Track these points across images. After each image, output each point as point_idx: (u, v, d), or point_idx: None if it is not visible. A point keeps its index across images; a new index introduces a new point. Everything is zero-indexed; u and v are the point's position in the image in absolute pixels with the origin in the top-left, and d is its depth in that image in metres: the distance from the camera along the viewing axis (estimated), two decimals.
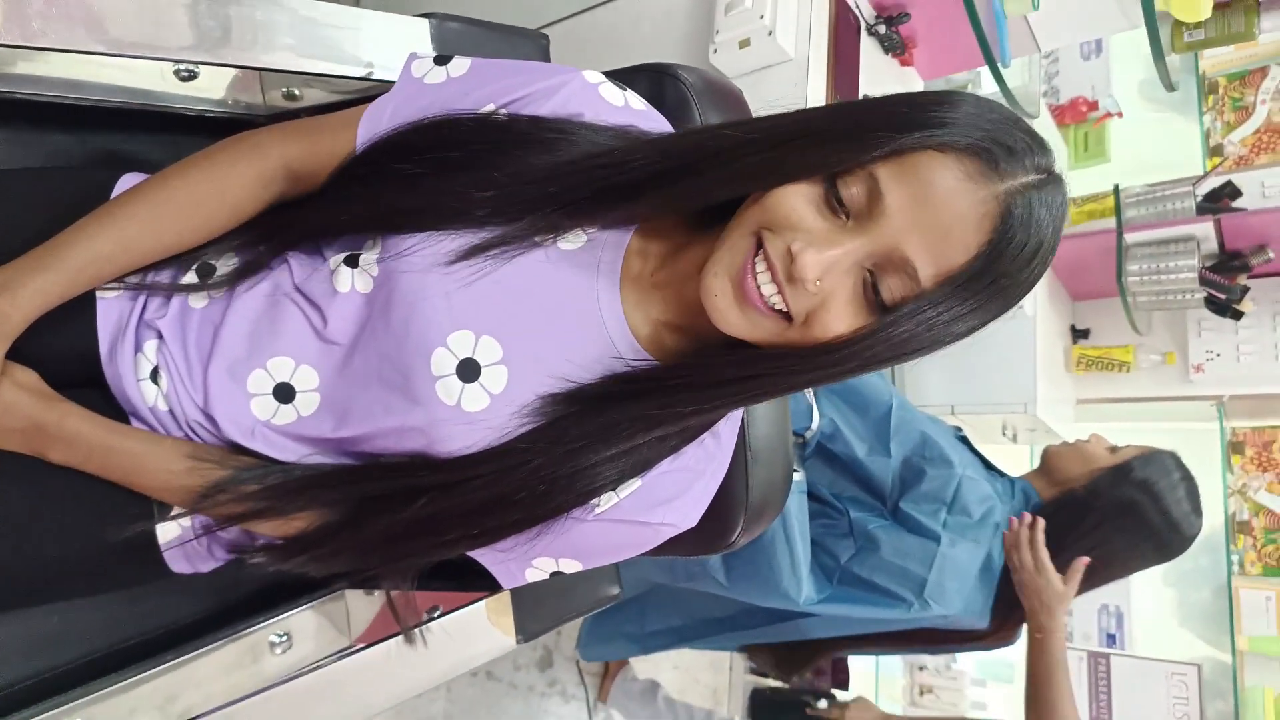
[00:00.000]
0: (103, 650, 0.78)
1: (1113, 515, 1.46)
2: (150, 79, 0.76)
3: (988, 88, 2.37)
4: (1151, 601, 2.69)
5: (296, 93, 0.82)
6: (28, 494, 0.67)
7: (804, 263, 0.57)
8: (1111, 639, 2.58)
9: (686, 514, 0.70)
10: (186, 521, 0.71)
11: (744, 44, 1.33)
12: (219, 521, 0.69)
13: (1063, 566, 1.41)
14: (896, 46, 1.56)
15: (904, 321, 0.58)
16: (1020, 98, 1.93)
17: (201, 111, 0.81)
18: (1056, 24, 1.54)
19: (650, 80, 0.84)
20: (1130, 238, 2.31)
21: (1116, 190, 2.38)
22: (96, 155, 0.86)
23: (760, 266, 0.59)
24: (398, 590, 0.73)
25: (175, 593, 0.83)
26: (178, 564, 0.73)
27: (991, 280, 0.57)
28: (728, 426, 0.73)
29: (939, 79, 1.71)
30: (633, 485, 0.66)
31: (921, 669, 2.75)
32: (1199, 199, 2.28)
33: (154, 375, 0.70)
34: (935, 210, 0.56)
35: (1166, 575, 2.71)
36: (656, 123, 0.74)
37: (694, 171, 0.63)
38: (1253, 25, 1.43)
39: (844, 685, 2.47)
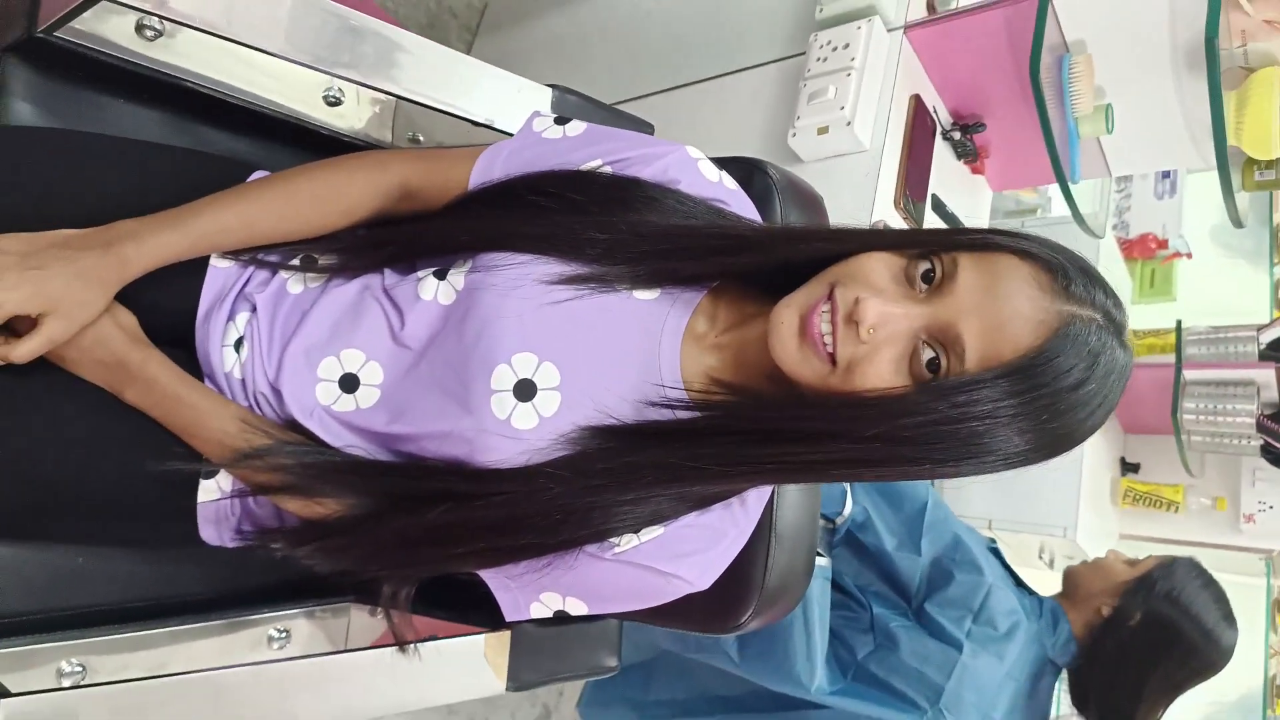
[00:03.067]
0: (114, 604, 0.80)
1: (1146, 635, 1.43)
2: (303, 97, 0.86)
3: (1057, 210, 2.41)
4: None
5: (421, 139, 0.91)
6: (92, 427, 0.72)
7: (865, 309, 0.60)
8: None
9: (703, 573, 0.71)
10: (227, 486, 0.75)
11: (822, 130, 1.39)
12: (253, 488, 0.73)
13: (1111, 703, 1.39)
14: (969, 154, 1.61)
15: (938, 397, 0.59)
16: (1088, 223, 1.95)
17: (337, 135, 0.91)
18: (1129, 150, 1.57)
19: (742, 170, 0.89)
20: (1189, 374, 2.29)
21: (1179, 326, 2.37)
22: (238, 154, 0.95)
23: (825, 309, 0.63)
24: (397, 605, 0.74)
25: (194, 565, 0.85)
26: (207, 529, 0.76)
27: (1030, 388, 0.58)
28: (756, 496, 0.74)
29: (1008, 191, 1.75)
30: (655, 531, 0.68)
31: None
32: (1263, 346, 2.26)
33: (238, 344, 0.76)
34: (998, 301, 0.59)
35: None
36: (744, 204, 0.80)
37: (796, 243, 0.69)
38: None
39: None
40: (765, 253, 0.70)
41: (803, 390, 0.65)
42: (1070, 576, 1.61)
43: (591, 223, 0.71)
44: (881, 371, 0.61)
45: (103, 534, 0.79)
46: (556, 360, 0.69)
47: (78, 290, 0.66)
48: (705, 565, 0.71)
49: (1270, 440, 2.19)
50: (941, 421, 0.59)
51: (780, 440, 0.64)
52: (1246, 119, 1.25)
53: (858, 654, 1.50)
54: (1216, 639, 1.42)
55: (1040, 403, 0.58)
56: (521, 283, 0.71)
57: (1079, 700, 1.51)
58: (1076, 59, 1.37)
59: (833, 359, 0.63)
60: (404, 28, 0.86)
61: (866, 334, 0.61)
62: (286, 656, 0.82)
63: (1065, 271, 0.60)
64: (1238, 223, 1.48)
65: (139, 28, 0.74)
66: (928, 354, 0.61)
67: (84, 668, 0.71)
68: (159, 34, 0.75)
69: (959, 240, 0.62)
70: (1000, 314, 0.59)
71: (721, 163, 0.85)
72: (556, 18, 2.08)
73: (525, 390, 0.68)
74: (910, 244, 0.64)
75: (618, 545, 0.67)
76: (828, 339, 0.62)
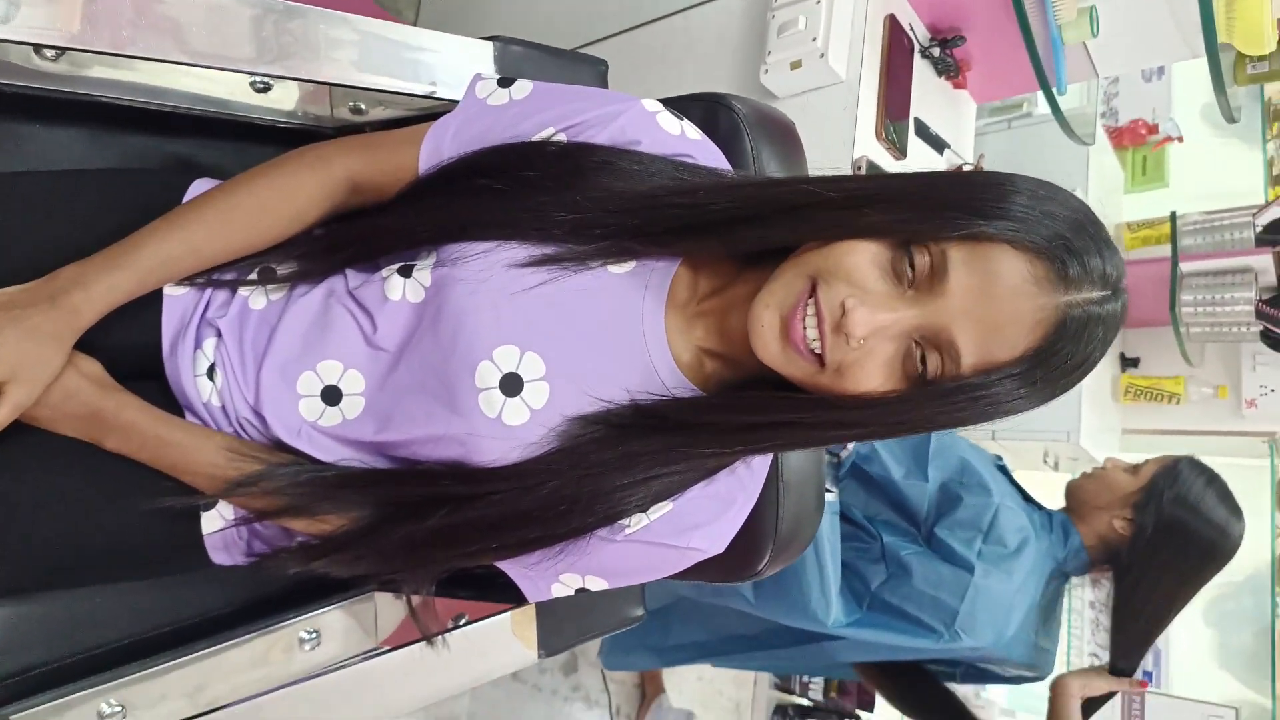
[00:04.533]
0: (139, 635, 0.81)
1: (1164, 543, 1.45)
2: (228, 89, 0.80)
3: (1045, 107, 2.34)
4: (1190, 641, 2.62)
5: (363, 107, 0.86)
6: (83, 478, 0.71)
7: (855, 319, 0.58)
8: (1148, 676, 2.52)
9: (716, 540, 0.71)
10: (229, 514, 0.74)
11: (796, 65, 1.33)
12: (253, 514, 0.72)
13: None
14: (950, 69, 1.54)
15: (932, 401, 0.59)
16: (1075, 121, 1.89)
17: (273, 122, 0.85)
18: (1116, 51, 1.50)
19: (704, 109, 0.85)
20: (1186, 266, 2.26)
21: (1173, 217, 2.33)
22: (171, 159, 0.90)
23: (810, 309, 0.60)
24: (421, 595, 0.74)
25: (212, 584, 0.85)
26: (218, 554, 0.76)
27: (1029, 383, 0.58)
28: (760, 456, 0.73)
29: (993, 102, 1.69)
30: (664, 508, 0.67)
31: None
32: (1259, 230, 2.22)
33: (210, 372, 0.73)
34: (994, 304, 0.57)
35: (1208, 614, 2.64)
36: (712, 153, 0.75)
37: (770, 219, 0.65)
38: None
39: (869, 706, 2.45)
40: (733, 231, 0.66)
41: (791, 391, 0.64)
42: (1073, 492, 1.62)
43: (553, 201, 0.68)
44: (873, 376, 0.60)
45: (117, 573, 0.78)
46: (539, 349, 0.68)
47: (32, 351, 0.63)
48: (718, 533, 0.71)
49: (1270, 326, 2.18)
50: (937, 414, 0.59)
51: (779, 426, 0.64)
52: (1238, 14, 1.18)
53: (871, 584, 1.52)
54: (1228, 532, 1.45)
55: (1041, 387, 0.58)
56: (491, 272, 0.68)
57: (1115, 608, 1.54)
58: None
59: (820, 360, 0.61)
60: None
61: (857, 343, 0.59)
62: (322, 659, 0.83)
63: (1062, 261, 0.56)
64: (1230, 118, 1.43)
65: (37, 49, 0.69)
66: (920, 352, 0.60)
67: (123, 706, 0.73)
68: (61, 52, 0.70)
69: (946, 232, 0.58)
70: (996, 316, 0.57)
71: (682, 103, 0.81)
72: None
73: (512, 385, 0.67)
74: (896, 231, 0.60)
75: (628, 526, 0.67)
76: (814, 343, 0.61)
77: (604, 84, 0.95)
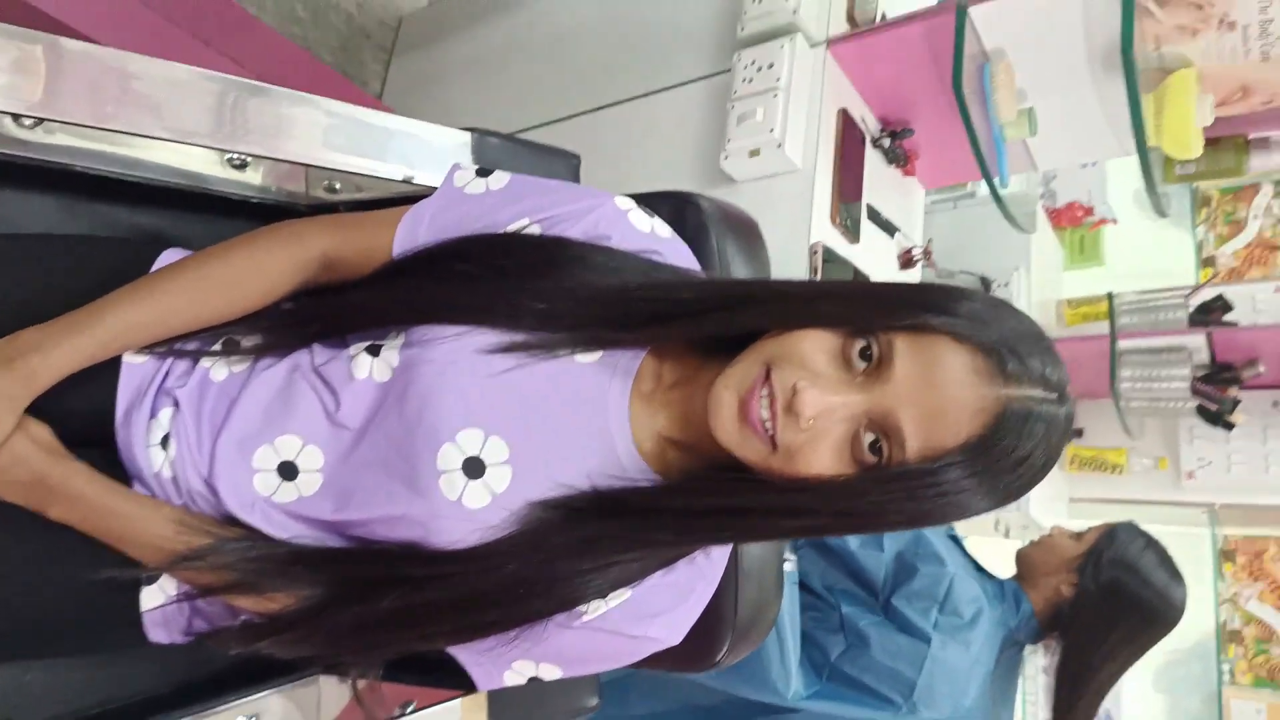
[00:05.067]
0: (70, 715, 0.78)
1: (1105, 605, 1.48)
2: (203, 164, 0.80)
3: (983, 194, 2.46)
4: (1141, 707, 2.66)
5: (337, 187, 0.87)
6: (22, 547, 0.69)
7: (804, 400, 0.60)
8: None
9: (673, 629, 0.71)
10: (171, 589, 0.72)
11: (754, 153, 1.39)
12: (199, 590, 0.70)
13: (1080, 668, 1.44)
14: (899, 159, 1.62)
15: (879, 485, 0.60)
16: (1016, 204, 1.99)
17: (247, 197, 0.85)
18: (1053, 147, 1.60)
19: (673, 206, 0.87)
20: (1124, 344, 2.35)
21: (1110, 298, 2.43)
22: (142, 229, 0.90)
23: (764, 392, 0.63)
24: (367, 680, 0.73)
25: (150, 662, 0.83)
26: (156, 631, 0.74)
27: (972, 473, 0.59)
28: (719, 546, 0.74)
29: (940, 189, 1.78)
30: (622, 595, 0.67)
31: None
32: (1191, 310, 2.33)
33: (164, 442, 0.72)
34: (935, 391, 0.59)
35: (1158, 681, 2.69)
36: (680, 250, 0.78)
37: (734, 309, 0.68)
38: (1242, 163, 1.50)
39: None
40: (698, 321, 0.69)
41: (748, 467, 0.65)
42: (1022, 559, 1.65)
43: (524, 290, 0.69)
44: (823, 458, 0.62)
45: (50, 648, 0.76)
46: (503, 433, 0.68)
47: None
48: (674, 622, 0.71)
49: (1205, 402, 2.27)
50: (887, 503, 0.60)
51: (734, 511, 0.65)
52: (1165, 121, 1.28)
53: (830, 655, 1.53)
54: (1168, 596, 1.48)
55: (985, 479, 0.60)
56: (459, 355, 0.69)
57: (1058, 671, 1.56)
58: (997, 66, 1.39)
59: (774, 441, 0.63)
60: (316, 54, 0.83)
61: (807, 424, 0.61)
62: None
63: (999, 355, 0.59)
64: (1162, 213, 1.53)
65: (15, 117, 0.69)
66: (869, 438, 0.61)
67: None
68: (39, 121, 0.70)
69: (893, 322, 0.62)
70: (938, 403, 0.59)
71: (651, 199, 0.83)
72: (474, 37, 2.04)
73: (474, 468, 0.67)
74: (845, 320, 0.63)
75: (585, 613, 0.67)
76: (769, 424, 0.62)
77: (577, 178, 0.98)
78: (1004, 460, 0.59)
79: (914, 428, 0.59)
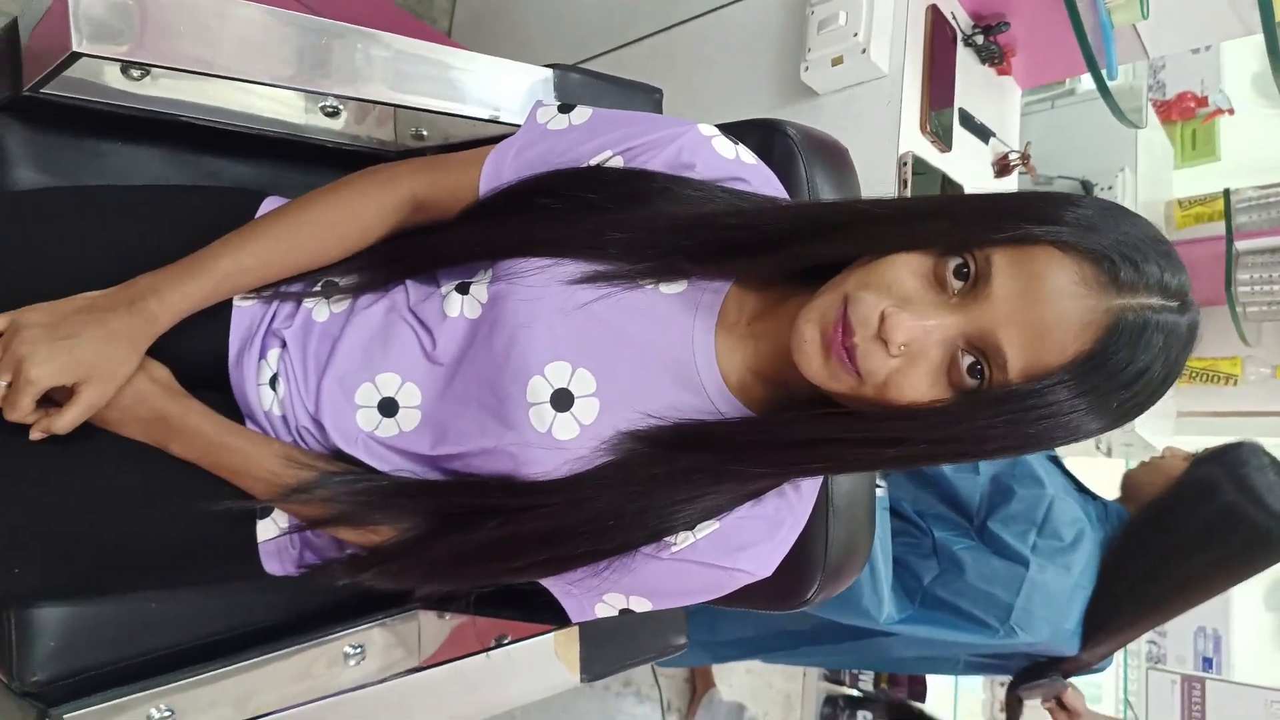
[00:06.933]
0: (191, 641, 0.83)
1: (1209, 522, 1.41)
2: (299, 113, 0.84)
3: (1087, 86, 2.28)
4: (1252, 625, 2.56)
5: (425, 133, 0.89)
6: (148, 480, 0.74)
7: (893, 324, 0.57)
8: (1208, 663, 2.47)
9: (763, 562, 0.70)
10: (284, 523, 0.76)
11: (837, 61, 1.31)
12: (307, 522, 0.74)
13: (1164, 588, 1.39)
14: (994, 56, 1.51)
15: (980, 410, 0.57)
16: (1123, 98, 1.84)
17: (339, 144, 0.89)
18: (1167, 31, 1.46)
19: (760, 134, 0.86)
20: (1241, 245, 2.19)
21: (1227, 194, 2.26)
22: (244, 178, 0.94)
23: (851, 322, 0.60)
24: (465, 613, 0.75)
25: (262, 594, 0.87)
26: (271, 563, 0.78)
27: (1081, 392, 0.55)
28: (809, 479, 0.73)
29: (1036, 88, 1.65)
30: (710, 527, 0.67)
31: (1002, 684, 2.68)
32: None
33: (273, 381, 0.76)
34: (1039, 307, 0.55)
35: (1269, 599, 2.58)
36: (766, 176, 0.76)
37: (820, 236, 0.65)
38: None
39: (921, 698, 2.44)
40: (781, 251, 0.66)
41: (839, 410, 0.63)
42: (1129, 481, 1.59)
43: (608, 221, 0.69)
44: (918, 385, 0.58)
45: (171, 579, 0.80)
46: (590, 366, 0.69)
47: (110, 353, 0.67)
48: (765, 555, 0.70)
49: None
50: (989, 428, 0.57)
51: (824, 444, 0.63)
52: None
53: (923, 580, 1.51)
54: None
55: (1096, 398, 0.55)
56: (545, 289, 0.70)
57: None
58: None
59: (858, 371, 0.60)
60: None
61: (897, 349, 0.57)
62: (365, 674, 0.85)
63: (1112, 261, 0.54)
64: None
65: (125, 68, 0.72)
66: (968, 360, 0.58)
67: (173, 710, 0.75)
68: (146, 71, 0.73)
69: (991, 235, 0.57)
70: (1043, 320, 0.55)
71: (737, 128, 0.82)
72: None
73: (562, 400, 0.68)
74: (940, 240, 0.59)
75: (674, 544, 0.67)
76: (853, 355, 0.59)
77: (659, 110, 0.97)
78: (1118, 376, 0.55)
79: (1016, 349, 0.55)
